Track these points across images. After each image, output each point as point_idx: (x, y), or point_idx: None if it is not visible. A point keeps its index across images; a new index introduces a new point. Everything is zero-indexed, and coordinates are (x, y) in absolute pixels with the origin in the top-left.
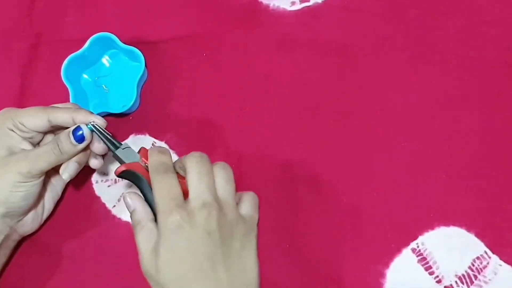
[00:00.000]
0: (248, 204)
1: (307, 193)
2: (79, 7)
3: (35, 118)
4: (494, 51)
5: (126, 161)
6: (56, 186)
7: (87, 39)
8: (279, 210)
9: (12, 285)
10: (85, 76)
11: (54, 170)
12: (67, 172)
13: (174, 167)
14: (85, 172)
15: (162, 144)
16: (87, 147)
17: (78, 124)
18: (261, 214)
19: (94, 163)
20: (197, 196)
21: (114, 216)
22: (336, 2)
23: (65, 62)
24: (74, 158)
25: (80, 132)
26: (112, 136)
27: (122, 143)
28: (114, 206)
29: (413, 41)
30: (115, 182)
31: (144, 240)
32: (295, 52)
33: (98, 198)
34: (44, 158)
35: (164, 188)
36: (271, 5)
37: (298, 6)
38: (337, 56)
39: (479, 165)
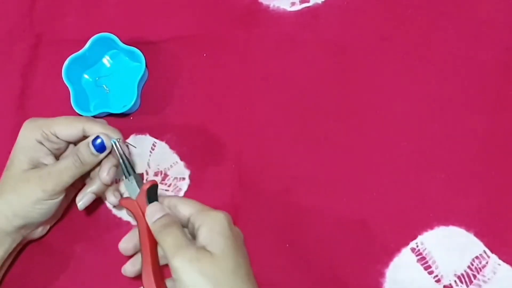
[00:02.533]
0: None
1: (307, 193)
2: (79, 7)
3: (70, 127)
4: (494, 51)
5: (128, 193)
6: (69, 196)
7: (88, 39)
8: (279, 210)
9: (15, 285)
10: (86, 76)
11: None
12: (83, 202)
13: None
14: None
15: (163, 144)
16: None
17: (97, 134)
18: (261, 214)
19: (111, 199)
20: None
21: (114, 216)
22: (336, 2)
23: (66, 62)
24: (92, 189)
25: (99, 140)
26: (130, 160)
27: (136, 172)
28: (115, 206)
29: (413, 41)
30: (116, 182)
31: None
32: (295, 52)
33: (98, 198)
34: (67, 173)
35: (170, 234)
36: (271, 5)
37: (298, 7)
38: (337, 56)
39: (478, 165)
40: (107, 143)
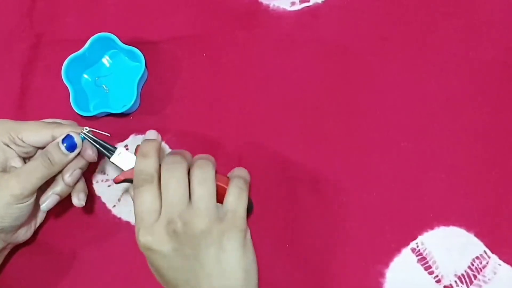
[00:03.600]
0: (231, 197)
1: (307, 193)
2: (79, 7)
3: (37, 133)
4: (494, 51)
5: (124, 168)
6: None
7: (88, 39)
8: (279, 210)
9: (12, 285)
10: (85, 76)
11: (45, 184)
12: (46, 204)
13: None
14: (85, 172)
15: (162, 144)
16: (74, 183)
17: (67, 133)
18: (261, 214)
19: (75, 201)
20: (164, 212)
21: (114, 216)
22: (336, 2)
23: (66, 62)
24: (55, 190)
25: (72, 140)
26: (106, 142)
27: (116, 147)
28: (114, 206)
29: (413, 41)
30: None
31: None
32: (295, 52)
33: (98, 198)
34: (35, 174)
35: (138, 204)
36: (271, 5)
37: (298, 7)
38: (337, 56)
39: (479, 165)
40: (78, 141)
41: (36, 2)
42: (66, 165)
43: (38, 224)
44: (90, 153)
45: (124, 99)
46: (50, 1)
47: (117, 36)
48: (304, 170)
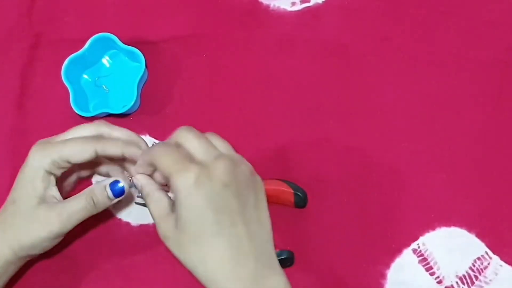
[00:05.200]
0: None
1: (307, 193)
2: (79, 7)
3: (83, 151)
4: (494, 51)
5: None
6: None
7: (87, 39)
8: (279, 210)
9: (12, 285)
10: (85, 76)
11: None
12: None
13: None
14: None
15: None
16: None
17: (115, 178)
18: None
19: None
20: (205, 153)
21: (115, 217)
22: (336, 2)
23: (66, 62)
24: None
25: (120, 185)
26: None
27: None
28: (114, 206)
29: (413, 41)
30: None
31: (155, 208)
32: (295, 52)
33: None
34: (76, 216)
35: (168, 153)
36: (272, 5)
37: (298, 7)
38: (337, 56)
39: (479, 165)
40: (126, 188)
41: (35, 2)
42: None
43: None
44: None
45: (124, 99)
46: (50, 1)
47: (117, 36)
48: (304, 170)
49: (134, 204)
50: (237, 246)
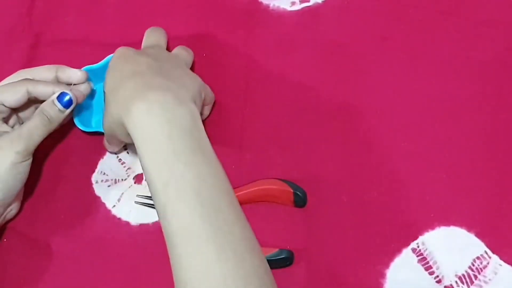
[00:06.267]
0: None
1: (307, 193)
2: (79, 7)
3: (15, 93)
4: (494, 51)
5: None
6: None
7: (87, 39)
8: (278, 209)
9: (13, 285)
10: (95, 89)
11: None
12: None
13: None
14: (85, 172)
15: None
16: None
17: (61, 91)
18: (261, 214)
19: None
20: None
21: (114, 216)
22: (336, 2)
23: None
24: None
25: (67, 97)
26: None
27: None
28: (114, 206)
29: (413, 41)
30: (115, 182)
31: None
32: (295, 52)
33: (98, 198)
34: (36, 132)
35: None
36: (271, 5)
37: (298, 6)
38: (337, 56)
39: (479, 165)
40: (73, 97)
41: (35, 1)
42: (63, 121)
43: (21, 200)
44: (81, 99)
45: None
46: (50, 1)
47: (116, 36)
48: (304, 170)
49: (134, 203)
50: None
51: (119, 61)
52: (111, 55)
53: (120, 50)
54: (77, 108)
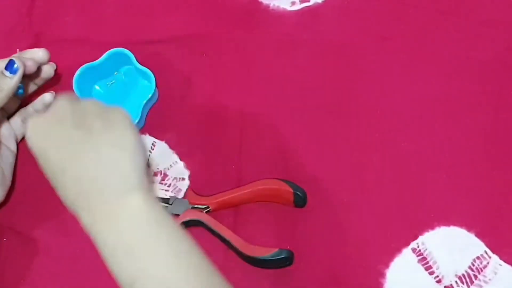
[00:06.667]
0: None
1: (307, 193)
2: (79, 6)
3: None
4: (494, 51)
5: (180, 213)
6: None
7: (87, 38)
8: (278, 209)
9: (12, 285)
10: (97, 87)
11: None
12: None
13: None
14: None
15: (162, 144)
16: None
17: (8, 59)
18: (261, 214)
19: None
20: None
21: None
22: (336, 2)
23: (78, 71)
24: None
25: (15, 65)
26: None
27: (169, 196)
28: None
29: (413, 41)
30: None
31: None
32: (295, 52)
33: None
34: None
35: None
36: (271, 5)
37: (298, 6)
38: (337, 56)
39: (479, 165)
40: (18, 63)
41: (35, 1)
42: (15, 89)
43: (9, 185)
44: (31, 65)
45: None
46: (50, 1)
47: (116, 36)
48: (304, 170)
49: None
50: (80, 177)
51: None
52: (111, 50)
53: None
54: None
